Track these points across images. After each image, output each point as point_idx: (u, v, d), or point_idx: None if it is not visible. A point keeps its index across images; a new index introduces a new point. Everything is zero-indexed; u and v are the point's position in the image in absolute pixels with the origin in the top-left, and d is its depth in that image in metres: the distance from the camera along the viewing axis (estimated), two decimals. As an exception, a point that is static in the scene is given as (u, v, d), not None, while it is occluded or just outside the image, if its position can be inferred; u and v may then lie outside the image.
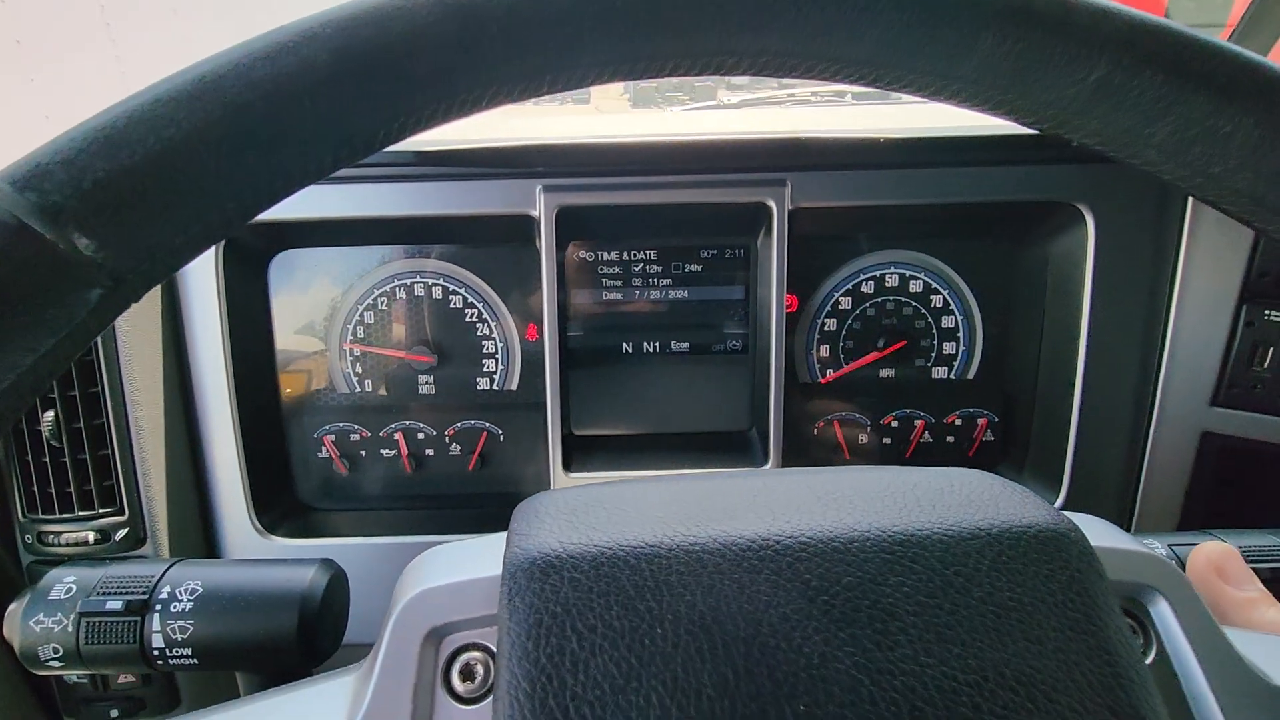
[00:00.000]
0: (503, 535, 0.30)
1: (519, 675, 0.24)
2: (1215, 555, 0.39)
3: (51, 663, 0.39)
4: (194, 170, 0.25)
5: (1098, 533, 0.31)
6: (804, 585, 0.26)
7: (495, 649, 0.27)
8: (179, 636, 0.39)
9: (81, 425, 0.64)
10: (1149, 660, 0.28)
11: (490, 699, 0.27)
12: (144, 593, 0.40)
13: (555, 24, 0.25)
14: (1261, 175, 0.27)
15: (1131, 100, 0.27)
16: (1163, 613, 0.29)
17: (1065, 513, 0.30)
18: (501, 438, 0.80)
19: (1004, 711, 0.24)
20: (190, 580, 0.40)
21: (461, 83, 0.27)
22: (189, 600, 0.40)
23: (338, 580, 0.43)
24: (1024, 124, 0.29)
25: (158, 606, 0.39)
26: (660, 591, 0.26)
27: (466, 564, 0.30)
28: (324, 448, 0.79)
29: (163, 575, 0.41)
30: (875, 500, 0.30)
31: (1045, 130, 0.28)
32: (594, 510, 0.30)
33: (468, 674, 0.27)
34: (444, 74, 0.26)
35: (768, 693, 0.24)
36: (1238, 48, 0.26)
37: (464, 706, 0.27)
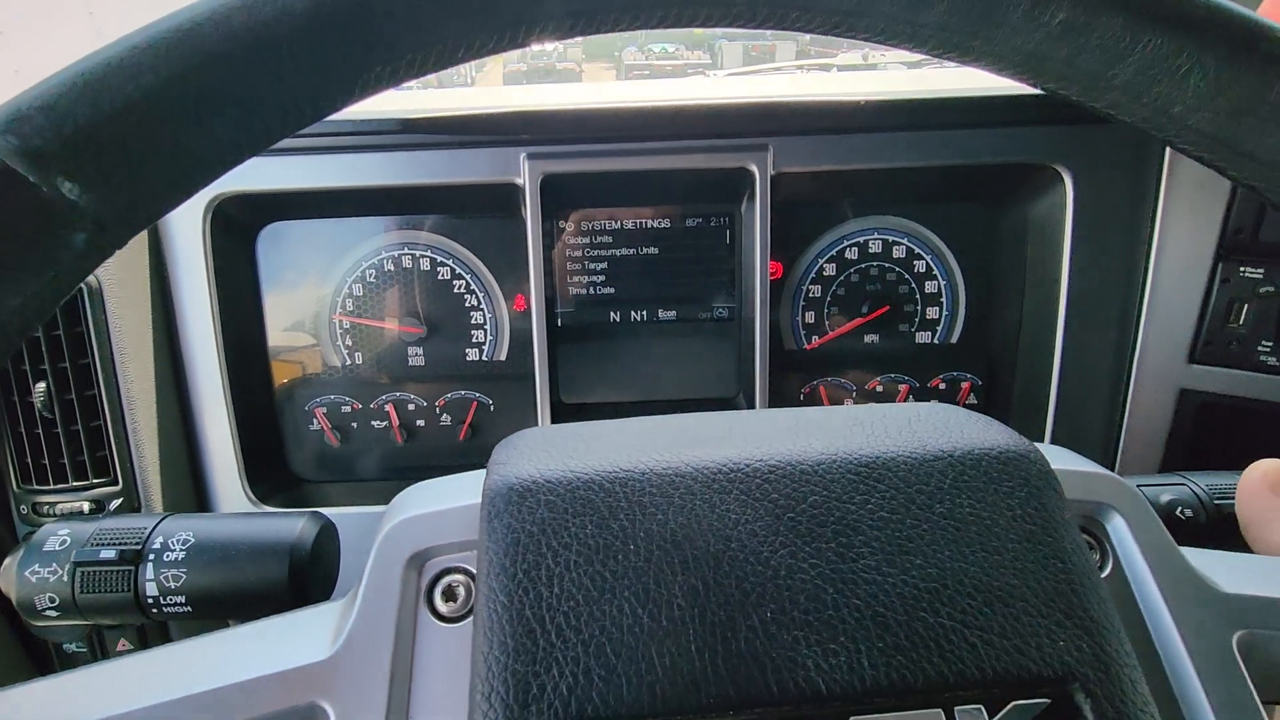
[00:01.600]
0: (483, 471, 0.31)
1: (497, 590, 0.25)
2: (1272, 472, 0.36)
3: (48, 612, 0.40)
4: (173, 118, 0.26)
5: (1058, 457, 0.32)
6: (771, 504, 0.27)
7: (475, 570, 0.28)
8: (173, 585, 0.40)
9: (73, 396, 0.64)
10: (1105, 573, 0.29)
11: (472, 617, 0.28)
12: (137, 543, 0.41)
13: None
14: (1220, 114, 0.27)
15: (1094, 42, 0.27)
16: (1119, 529, 0.30)
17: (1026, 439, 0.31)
18: (492, 407, 0.81)
19: (962, 616, 0.25)
20: (182, 531, 0.41)
21: (440, 31, 0.27)
22: (181, 550, 0.41)
23: (327, 531, 0.44)
24: (992, 70, 0.30)
25: (151, 556, 0.40)
26: (633, 511, 0.27)
27: (448, 495, 0.31)
28: (315, 420, 0.79)
29: (155, 527, 0.42)
30: (843, 428, 0.31)
31: (1013, 76, 0.29)
32: (571, 441, 0.31)
33: (450, 595, 0.28)
34: (422, 21, 0.27)
35: (735, 601, 0.25)
36: None
37: (447, 625, 0.28)
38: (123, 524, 0.42)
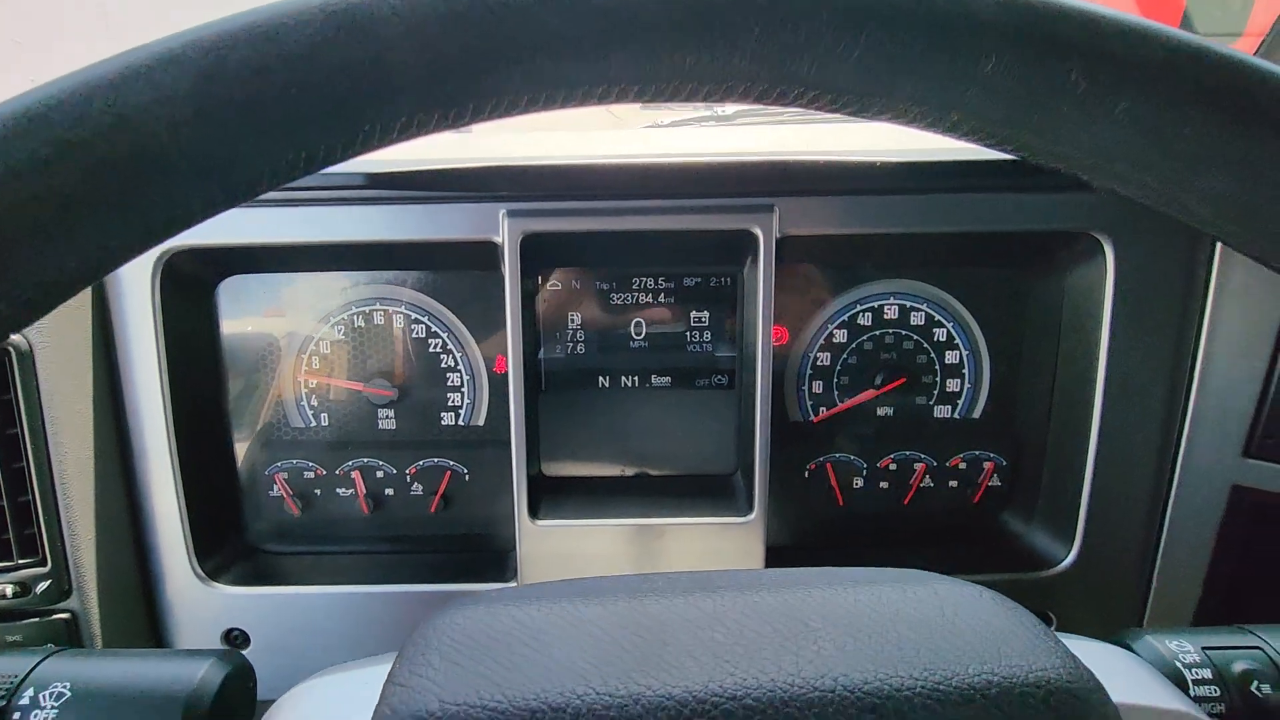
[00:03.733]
0: (388, 666, 0.24)
1: None
2: None
3: (-108, 779, 0.34)
4: (88, 196, 0.21)
5: (1122, 680, 0.25)
6: None
7: None
8: (40, 751, 0.33)
9: (-1, 469, 0.58)
10: None
11: None
12: (2, 697, 0.34)
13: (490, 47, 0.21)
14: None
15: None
16: None
17: (1076, 653, 0.24)
18: (466, 477, 0.74)
19: None
20: (58, 682, 0.35)
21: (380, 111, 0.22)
22: (54, 707, 0.34)
23: (237, 675, 0.38)
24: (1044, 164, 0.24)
25: (16, 715, 0.34)
26: None
27: (338, 708, 0.24)
28: (275, 486, 0.73)
29: (27, 675, 0.35)
30: (848, 637, 0.24)
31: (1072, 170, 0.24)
32: (496, 648, 0.24)
33: None
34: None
35: None
36: None
37: None
38: (-10, 668, 0.36)
